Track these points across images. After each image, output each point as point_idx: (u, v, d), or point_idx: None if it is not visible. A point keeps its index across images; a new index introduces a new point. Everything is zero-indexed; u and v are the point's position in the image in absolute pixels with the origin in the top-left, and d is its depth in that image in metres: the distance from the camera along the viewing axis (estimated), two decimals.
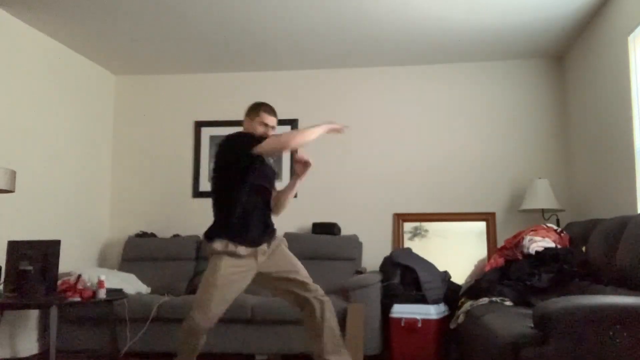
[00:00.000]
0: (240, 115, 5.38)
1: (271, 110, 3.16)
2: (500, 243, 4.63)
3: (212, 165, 3.02)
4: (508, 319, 2.72)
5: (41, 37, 4.54)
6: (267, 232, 3.05)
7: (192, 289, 4.62)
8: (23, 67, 4.34)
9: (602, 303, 2.15)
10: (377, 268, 4.65)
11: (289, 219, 5.09)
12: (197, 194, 5.34)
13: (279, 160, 5.27)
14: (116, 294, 4.15)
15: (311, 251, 4.77)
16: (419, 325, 3.95)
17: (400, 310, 4.04)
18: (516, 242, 4.01)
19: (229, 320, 4.08)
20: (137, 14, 4.20)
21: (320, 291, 3.07)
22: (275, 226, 3.16)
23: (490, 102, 5.11)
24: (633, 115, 3.55)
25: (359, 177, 5.19)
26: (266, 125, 3.12)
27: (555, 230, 3.98)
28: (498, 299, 3.54)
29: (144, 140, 5.51)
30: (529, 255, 3.76)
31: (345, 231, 5.07)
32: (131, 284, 4.50)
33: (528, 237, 3.90)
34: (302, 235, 4.91)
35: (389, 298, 4.14)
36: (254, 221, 2.98)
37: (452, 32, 4.50)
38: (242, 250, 2.90)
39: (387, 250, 4.95)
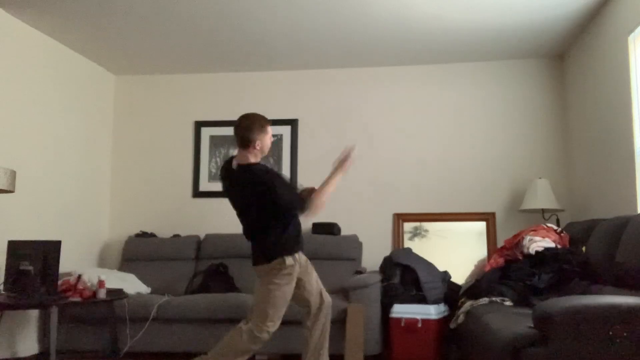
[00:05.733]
0: (240, 115, 5.42)
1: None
2: (500, 243, 4.64)
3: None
4: (508, 319, 2.72)
5: (41, 37, 4.54)
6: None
7: (191, 289, 4.62)
8: (23, 67, 4.34)
9: (602, 303, 2.15)
10: (377, 268, 4.65)
11: None
12: (197, 194, 5.34)
13: (278, 160, 5.27)
14: (116, 294, 4.15)
15: (311, 251, 4.76)
16: (419, 325, 3.95)
17: (400, 310, 4.04)
18: (516, 242, 4.01)
19: (229, 320, 4.08)
20: (137, 14, 4.20)
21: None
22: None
23: (490, 102, 5.11)
24: (633, 115, 3.55)
25: (359, 177, 5.19)
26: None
27: (555, 230, 3.98)
28: (498, 299, 3.54)
29: (144, 140, 5.52)
30: (529, 255, 3.76)
31: (345, 231, 5.07)
32: (131, 284, 4.50)
33: (528, 237, 3.90)
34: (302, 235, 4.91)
35: (389, 298, 4.14)
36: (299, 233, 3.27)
37: (452, 32, 4.50)
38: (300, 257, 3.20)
39: (387, 250, 4.95)
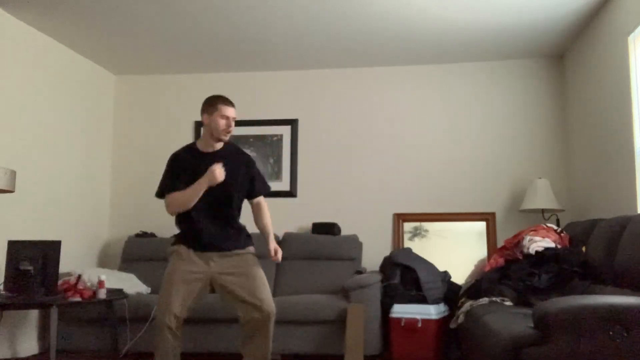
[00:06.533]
0: (240, 115, 5.38)
1: (229, 102, 3.05)
2: (500, 243, 4.63)
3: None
4: (508, 319, 2.72)
5: (41, 37, 4.54)
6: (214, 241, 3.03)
7: None
8: (23, 67, 4.34)
9: (602, 303, 2.15)
10: (377, 268, 4.65)
11: (289, 219, 5.10)
12: None
13: (278, 160, 5.27)
14: (116, 294, 4.16)
15: (311, 251, 4.78)
16: (419, 325, 3.95)
17: (400, 310, 4.04)
18: (516, 242, 4.01)
19: (228, 320, 4.08)
20: (137, 14, 4.20)
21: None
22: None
23: (490, 102, 5.11)
24: (633, 115, 3.55)
25: (359, 177, 5.19)
26: (227, 117, 3.01)
27: (555, 230, 3.98)
28: (498, 299, 3.54)
29: (144, 140, 5.51)
30: (529, 255, 3.76)
31: (345, 231, 5.07)
32: (131, 284, 4.50)
33: (528, 237, 3.90)
34: (302, 235, 4.91)
35: (389, 298, 4.14)
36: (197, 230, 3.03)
37: (452, 32, 4.50)
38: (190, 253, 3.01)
39: (387, 250, 4.95)
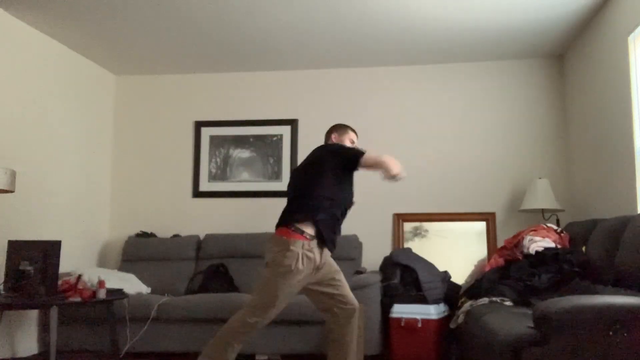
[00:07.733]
0: (240, 115, 5.44)
1: (356, 133, 3.54)
2: (500, 243, 4.64)
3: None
4: (508, 319, 2.72)
5: (41, 37, 4.54)
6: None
7: (191, 289, 4.62)
8: (23, 67, 4.33)
9: (602, 303, 2.15)
10: (377, 268, 4.64)
11: None
12: (197, 194, 5.34)
13: (278, 160, 5.27)
14: (116, 294, 4.16)
15: None
16: (419, 325, 3.95)
17: (400, 310, 4.04)
18: (516, 242, 4.02)
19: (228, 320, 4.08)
20: (137, 14, 4.20)
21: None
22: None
23: (490, 102, 5.11)
24: (633, 115, 3.55)
25: (359, 177, 5.17)
26: (353, 142, 3.47)
27: (555, 230, 3.98)
28: (498, 299, 3.53)
29: (144, 140, 5.51)
30: (529, 255, 3.76)
31: (345, 231, 5.05)
32: (131, 284, 4.50)
33: (528, 237, 3.90)
34: None
35: (389, 298, 4.14)
36: None
37: (452, 32, 4.50)
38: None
39: (387, 250, 4.95)
